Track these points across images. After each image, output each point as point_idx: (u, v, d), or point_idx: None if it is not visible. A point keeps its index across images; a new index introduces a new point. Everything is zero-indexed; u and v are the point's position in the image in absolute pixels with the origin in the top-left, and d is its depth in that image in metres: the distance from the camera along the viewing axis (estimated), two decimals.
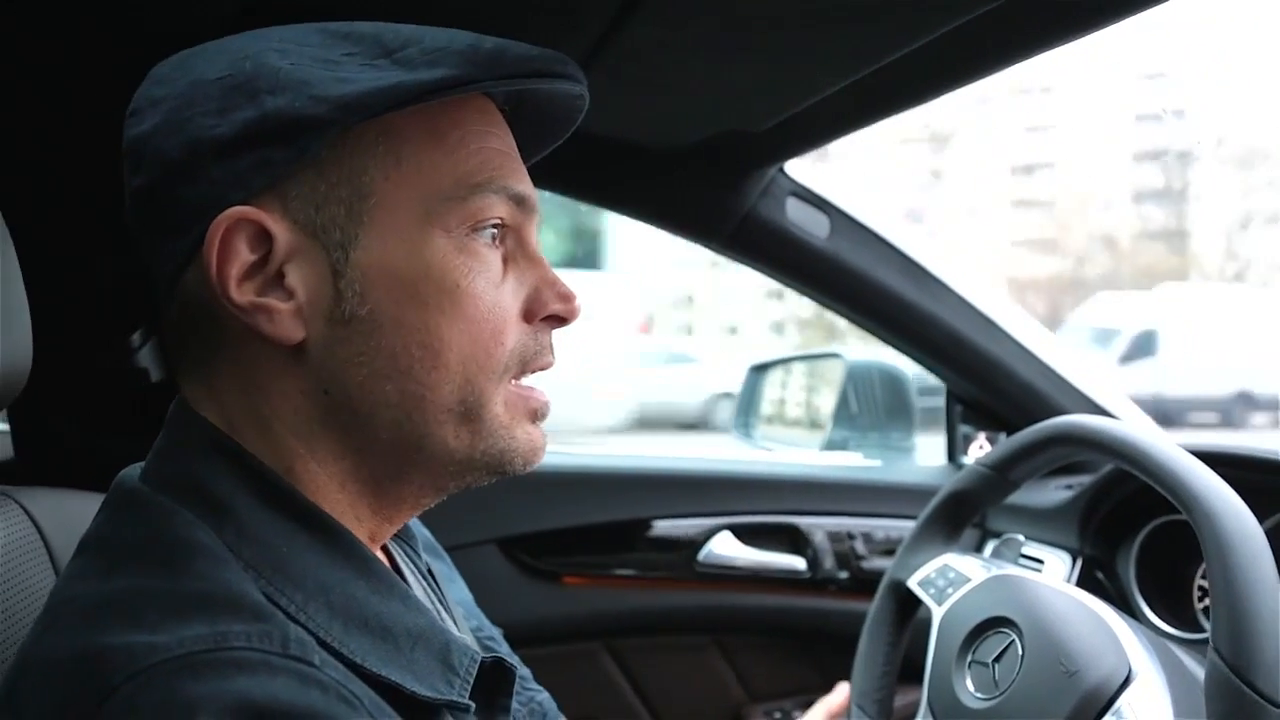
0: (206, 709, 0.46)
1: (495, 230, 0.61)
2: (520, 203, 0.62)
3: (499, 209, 0.60)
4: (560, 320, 0.64)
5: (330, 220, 0.57)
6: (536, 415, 0.64)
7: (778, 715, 1.54)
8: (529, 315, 0.63)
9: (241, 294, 0.56)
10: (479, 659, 0.60)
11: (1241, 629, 0.69)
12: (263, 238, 0.57)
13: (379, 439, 0.60)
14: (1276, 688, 0.68)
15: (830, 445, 1.73)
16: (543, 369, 0.64)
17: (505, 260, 0.62)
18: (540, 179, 1.05)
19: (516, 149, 0.64)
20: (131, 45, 1.07)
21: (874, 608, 1.07)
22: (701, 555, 1.50)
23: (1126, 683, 0.79)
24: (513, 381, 0.62)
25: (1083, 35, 0.77)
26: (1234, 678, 0.68)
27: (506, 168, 0.62)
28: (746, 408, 1.92)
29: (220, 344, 0.59)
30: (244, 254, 0.56)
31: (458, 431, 0.60)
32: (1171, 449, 0.82)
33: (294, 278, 0.57)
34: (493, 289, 0.60)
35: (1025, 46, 0.82)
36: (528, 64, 0.59)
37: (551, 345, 0.65)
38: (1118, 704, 0.78)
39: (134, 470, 0.61)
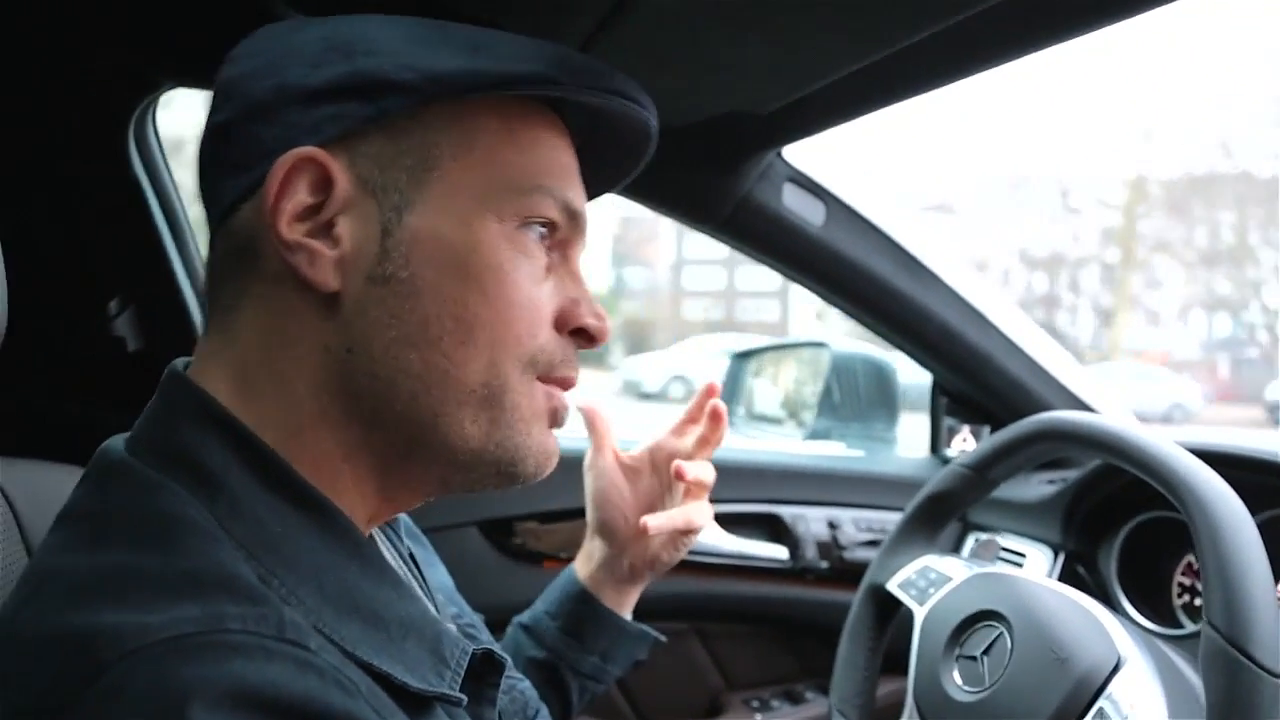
0: (201, 694, 0.44)
1: (544, 231, 0.62)
2: (573, 217, 0.64)
3: (553, 212, 0.62)
4: (589, 339, 0.65)
5: (392, 182, 0.58)
6: (556, 417, 0.64)
7: (756, 704, 1.53)
8: (560, 324, 0.63)
9: (290, 231, 0.57)
10: (470, 650, 0.59)
11: (1236, 602, 0.70)
12: (323, 185, 0.57)
13: (393, 410, 0.59)
14: (1273, 657, 0.68)
15: (813, 435, 1.73)
16: (567, 382, 0.65)
17: (548, 268, 0.63)
18: None
19: (578, 170, 0.66)
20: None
21: (853, 612, 1.06)
22: None
23: (1116, 669, 0.80)
24: (537, 380, 0.62)
25: (1105, 25, 0.77)
26: (1231, 649, 0.69)
27: (569, 180, 0.64)
28: (730, 396, 1.91)
29: (254, 282, 0.59)
30: (302, 194, 0.57)
31: (476, 416, 0.60)
32: (1158, 439, 0.82)
33: (344, 229, 0.58)
34: (532, 284, 0.61)
35: (1042, 36, 0.81)
36: (610, 80, 0.62)
37: (577, 362, 0.65)
38: (1109, 689, 0.78)
39: (118, 441, 0.59)
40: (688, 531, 0.96)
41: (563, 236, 0.64)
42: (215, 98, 0.61)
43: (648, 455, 0.99)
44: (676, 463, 0.94)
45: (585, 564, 1.00)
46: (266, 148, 0.57)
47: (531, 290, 0.61)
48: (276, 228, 0.57)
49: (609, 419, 0.99)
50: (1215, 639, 0.70)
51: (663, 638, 1.02)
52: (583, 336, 0.65)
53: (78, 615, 0.48)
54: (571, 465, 1.48)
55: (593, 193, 0.69)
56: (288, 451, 0.58)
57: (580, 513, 1.46)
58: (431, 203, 0.58)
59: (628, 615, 1.01)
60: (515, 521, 1.47)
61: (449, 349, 0.58)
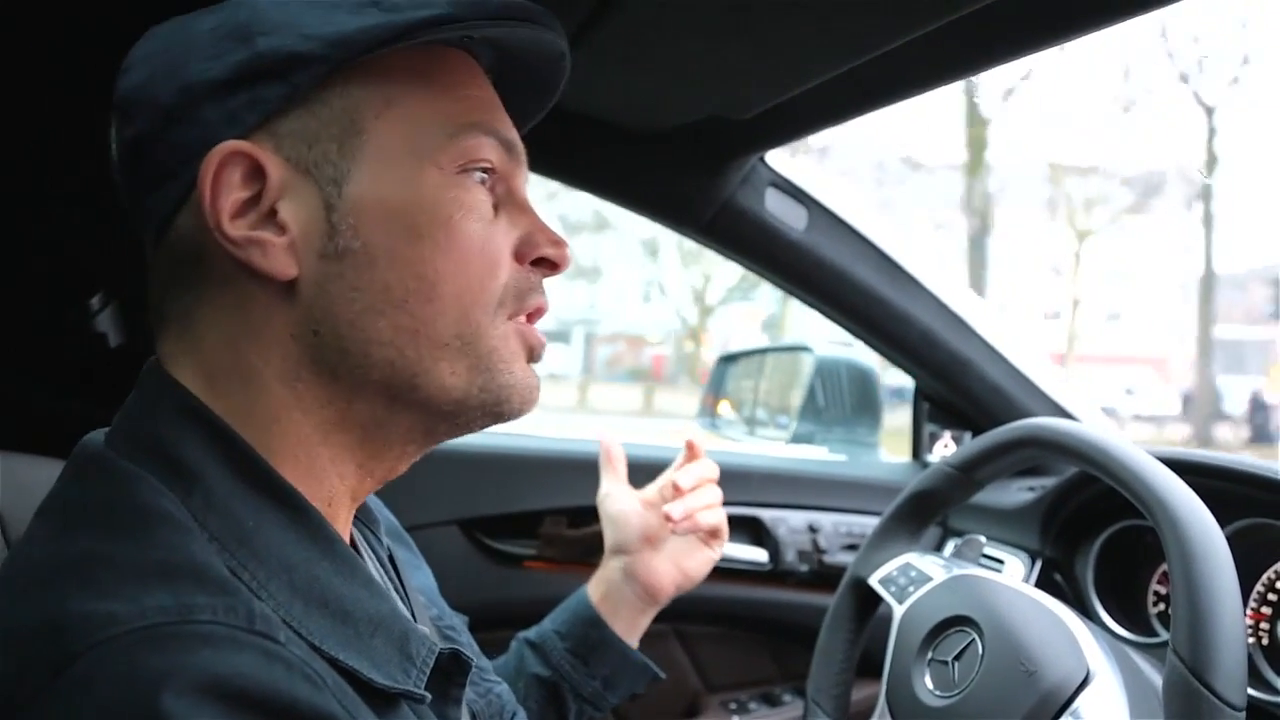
0: (171, 684, 0.44)
1: (485, 174, 0.62)
2: (509, 149, 0.63)
3: (489, 152, 0.62)
4: (552, 266, 0.65)
5: (322, 156, 0.58)
6: (533, 354, 0.65)
7: (733, 706, 1.53)
8: (520, 257, 0.63)
9: (235, 228, 0.57)
10: (436, 650, 0.60)
11: (1201, 632, 0.70)
12: (256, 174, 0.57)
13: (370, 380, 0.59)
14: (1234, 690, 0.69)
15: (796, 438, 1.74)
16: (538, 311, 0.65)
17: (496, 205, 0.63)
18: None
19: (501, 103, 0.65)
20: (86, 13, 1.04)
21: (834, 604, 1.06)
22: None
23: (1084, 683, 0.80)
24: (509, 319, 0.63)
25: (1078, 36, 0.77)
26: (1193, 679, 0.69)
27: (494, 113, 0.63)
28: (715, 397, 1.92)
29: (208, 287, 0.58)
30: (237, 189, 0.57)
31: (454, 367, 0.60)
32: (1137, 453, 0.83)
33: (287, 213, 0.57)
34: (485, 226, 0.61)
35: (1020, 44, 0.81)
36: (511, 8, 0.61)
37: (544, 289, 0.65)
38: (1075, 704, 0.79)
39: (98, 435, 0.60)
40: (714, 536, 1.04)
41: (503, 171, 0.63)
42: (118, 113, 0.60)
43: (656, 493, 1.05)
44: (665, 508, 0.99)
45: (599, 587, 1.03)
46: (188, 151, 0.57)
47: (485, 233, 0.61)
48: (220, 228, 0.56)
49: (622, 455, 1.07)
50: (1178, 667, 0.70)
51: (662, 674, 1.04)
52: (544, 265, 0.65)
53: (46, 603, 0.48)
54: (545, 466, 1.51)
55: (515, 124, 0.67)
56: (264, 444, 0.58)
57: (564, 512, 1.48)
58: (367, 167, 0.58)
59: (635, 644, 1.03)
60: (496, 521, 1.47)
61: (415, 309, 0.58)
